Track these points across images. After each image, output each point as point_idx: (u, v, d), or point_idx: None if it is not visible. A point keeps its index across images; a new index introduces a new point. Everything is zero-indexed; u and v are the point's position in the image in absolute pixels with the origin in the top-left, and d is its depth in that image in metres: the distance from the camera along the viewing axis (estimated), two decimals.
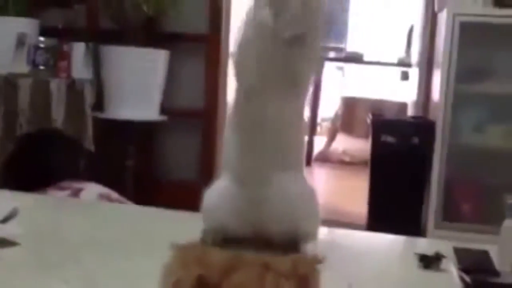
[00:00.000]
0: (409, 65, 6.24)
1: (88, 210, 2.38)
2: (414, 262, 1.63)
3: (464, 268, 1.52)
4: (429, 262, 1.63)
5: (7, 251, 1.53)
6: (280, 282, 1.16)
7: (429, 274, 1.59)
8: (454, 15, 4.07)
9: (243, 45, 1.56)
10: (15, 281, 1.37)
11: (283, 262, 1.20)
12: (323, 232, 1.70)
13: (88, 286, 1.37)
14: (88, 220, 2.02)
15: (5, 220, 1.63)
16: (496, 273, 1.51)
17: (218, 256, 1.20)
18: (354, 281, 1.47)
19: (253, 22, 1.55)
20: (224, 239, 1.61)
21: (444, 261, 1.62)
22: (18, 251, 1.55)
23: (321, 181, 7.19)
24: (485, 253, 1.67)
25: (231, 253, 1.22)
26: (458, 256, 1.64)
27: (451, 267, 1.59)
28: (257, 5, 1.55)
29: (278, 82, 1.55)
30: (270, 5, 1.51)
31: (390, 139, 4.46)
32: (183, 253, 1.23)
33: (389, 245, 2.03)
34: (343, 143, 7.95)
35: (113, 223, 2.02)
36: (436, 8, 4.58)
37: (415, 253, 1.66)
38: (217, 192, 1.66)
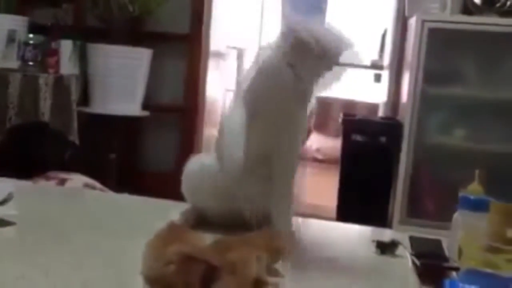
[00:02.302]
0: (381, 67, 6.28)
1: (75, 196, 2.46)
2: (372, 249, 1.72)
3: (417, 253, 1.61)
4: (385, 248, 1.72)
5: (5, 230, 1.63)
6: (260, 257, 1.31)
7: (385, 259, 1.69)
8: (423, 21, 4.13)
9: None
10: (15, 254, 1.48)
11: (259, 238, 1.38)
12: (295, 221, 1.78)
13: (80, 260, 1.46)
14: (76, 205, 2.12)
15: (2, 202, 1.73)
16: (445, 259, 1.59)
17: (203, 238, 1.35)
18: (317, 263, 1.62)
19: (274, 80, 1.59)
20: (199, 220, 1.69)
21: (399, 247, 1.71)
22: (15, 230, 1.65)
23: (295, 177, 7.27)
24: (437, 242, 1.77)
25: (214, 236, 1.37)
26: (413, 244, 1.74)
27: (405, 253, 1.67)
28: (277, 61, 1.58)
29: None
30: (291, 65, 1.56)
31: (359, 138, 4.53)
32: (169, 231, 1.37)
33: (351, 233, 2.13)
34: (317, 142, 7.91)
35: (98, 208, 2.10)
36: (406, 14, 4.63)
37: (373, 240, 1.75)
38: (200, 174, 1.74)
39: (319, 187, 6.00)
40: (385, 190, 4.50)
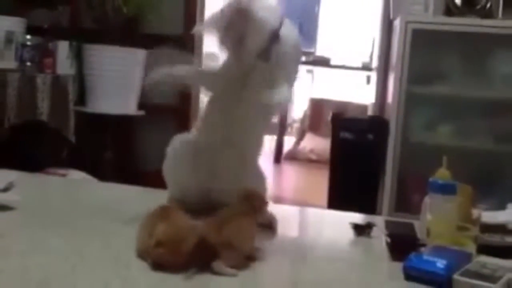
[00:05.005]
0: (371, 69, 6.35)
1: (74, 185, 2.63)
2: (350, 231, 1.86)
3: (390, 234, 1.73)
4: (361, 230, 1.85)
5: (8, 213, 1.74)
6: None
7: (361, 239, 1.83)
8: (407, 23, 4.18)
9: None
10: (17, 234, 1.60)
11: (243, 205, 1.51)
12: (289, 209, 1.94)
13: (76, 239, 1.58)
14: (75, 193, 2.26)
15: (5, 190, 1.84)
16: (416, 238, 1.71)
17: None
18: (298, 245, 1.76)
19: None
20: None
21: (374, 229, 1.85)
22: (17, 214, 1.76)
23: (289, 177, 7.36)
24: (410, 224, 1.89)
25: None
26: (387, 226, 1.86)
27: (379, 234, 1.81)
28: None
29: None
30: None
31: (348, 135, 4.58)
32: (160, 211, 1.49)
33: (331, 218, 2.28)
34: (311, 142, 7.97)
35: (96, 196, 2.23)
36: (391, 16, 4.69)
37: (350, 223, 1.88)
38: (181, 166, 1.86)
39: (312, 186, 6.05)
40: (373, 185, 4.56)
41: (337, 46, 8.47)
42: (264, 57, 1.68)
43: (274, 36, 1.69)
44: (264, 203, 1.57)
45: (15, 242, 1.53)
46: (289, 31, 1.73)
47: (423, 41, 4.25)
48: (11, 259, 1.40)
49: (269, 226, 1.77)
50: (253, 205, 1.52)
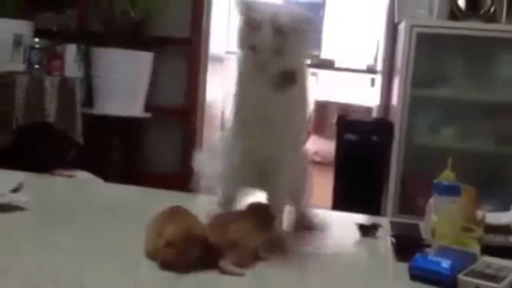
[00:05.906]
0: (375, 71, 6.35)
1: (82, 186, 2.65)
2: (356, 232, 1.86)
3: (395, 235, 1.75)
4: (367, 230, 1.87)
5: (19, 214, 1.77)
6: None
7: (366, 240, 1.84)
8: (412, 27, 4.24)
9: None
10: (27, 234, 1.64)
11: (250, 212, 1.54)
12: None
13: (84, 238, 1.61)
14: (82, 193, 2.28)
15: (15, 191, 1.87)
16: (421, 239, 1.72)
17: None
18: (306, 243, 1.77)
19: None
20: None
21: (379, 230, 1.86)
22: (27, 214, 1.78)
23: None
24: (415, 225, 1.92)
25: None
26: (392, 227, 1.89)
27: (385, 234, 1.83)
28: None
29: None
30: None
31: (352, 137, 4.60)
32: (170, 211, 1.50)
33: (337, 219, 2.27)
34: (315, 144, 7.98)
35: (103, 196, 2.26)
36: (396, 19, 4.72)
37: (355, 223, 1.90)
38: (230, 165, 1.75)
39: (317, 188, 6.06)
40: (377, 187, 4.56)
41: (342, 49, 8.45)
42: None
43: None
44: (273, 218, 1.58)
45: (25, 241, 1.57)
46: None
47: (427, 45, 4.30)
48: (21, 257, 1.43)
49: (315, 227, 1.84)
50: (261, 220, 1.54)
